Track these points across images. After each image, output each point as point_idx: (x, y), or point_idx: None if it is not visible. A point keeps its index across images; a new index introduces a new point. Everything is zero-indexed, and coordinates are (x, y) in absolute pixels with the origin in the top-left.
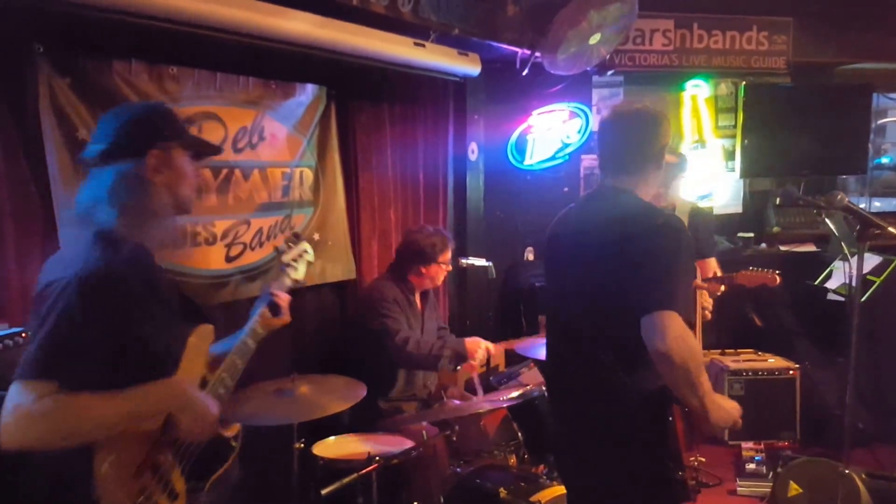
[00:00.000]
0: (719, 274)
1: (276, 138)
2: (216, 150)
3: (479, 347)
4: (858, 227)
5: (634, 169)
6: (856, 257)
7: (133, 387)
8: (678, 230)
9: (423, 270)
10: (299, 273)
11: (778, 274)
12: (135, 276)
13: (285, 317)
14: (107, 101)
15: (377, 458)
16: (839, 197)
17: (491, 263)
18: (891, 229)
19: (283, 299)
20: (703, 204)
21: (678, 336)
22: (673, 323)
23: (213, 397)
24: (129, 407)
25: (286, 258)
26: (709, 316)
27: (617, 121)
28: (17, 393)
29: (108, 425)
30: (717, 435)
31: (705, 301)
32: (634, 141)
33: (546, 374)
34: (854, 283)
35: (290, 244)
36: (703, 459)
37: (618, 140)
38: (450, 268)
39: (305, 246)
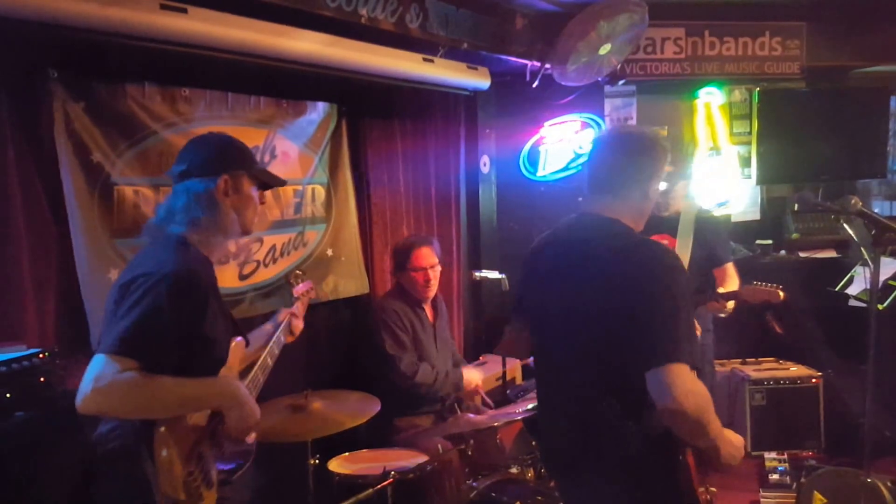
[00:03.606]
0: (737, 281)
1: (288, 156)
2: (280, 182)
3: (473, 382)
4: (874, 232)
5: (618, 194)
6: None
7: (200, 377)
8: (675, 269)
9: (402, 281)
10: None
11: (781, 289)
12: (208, 280)
13: (295, 337)
14: (120, 124)
15: (392, 472)
16: (853, 201)
17: (504, 276)
18: None
19: (299, 327)
20: (718, 211)
21: (688, 392)
22: (681, 377)
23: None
24: (195, 394)
25: (297, 290)
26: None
27: (608, 140)
28: (103, 364)
29: (174, 406)
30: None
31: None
32: (620, 164)
33: (540, 420)
34: (872, 289)
35: (297, 280)
36: (715, 490)
37: (604, 161)
38: (428, 276)
39: (311, 284)
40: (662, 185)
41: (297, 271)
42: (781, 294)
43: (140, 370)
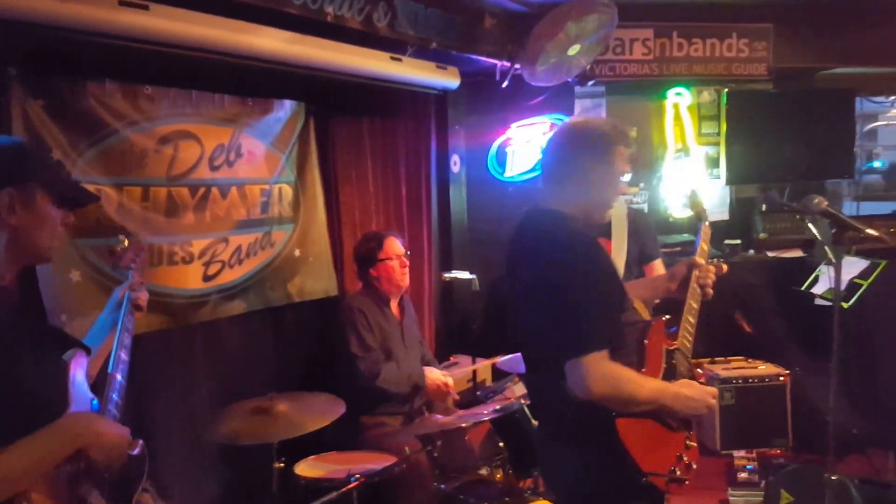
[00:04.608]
0: None
1: (254, 155)
2: (93, 198)
3: (437, 382)
4: (835, 231)
5: (561, 184)
6: (841, 261)
7: (28, 436)
8: (578, 254)
9: (375, 274)
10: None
11: (723, 262)
12: (3, 326)
13: (143, 312)
14: (81, 123)
15: (357, 476)
16: (816, 201)
17: (475, 276)
18: (869, 231)
19: (143, 300)
20: (685, 212)
21: (598, 378)
22: (591, 367)
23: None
24: (31, 458)
25: (126, 260)
26: (710, 293)
27: (555, 132)
28: None
29: (13, 481)
30: (702, 420)
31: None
32: (560, 154)
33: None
34: (835, 287)
35: (123, 247)
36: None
37: (548, 152)
38: (403, 262)
39: (140, 243)
40: (626, 176)
41: (122, 237)
42: (725, 266)
43: None
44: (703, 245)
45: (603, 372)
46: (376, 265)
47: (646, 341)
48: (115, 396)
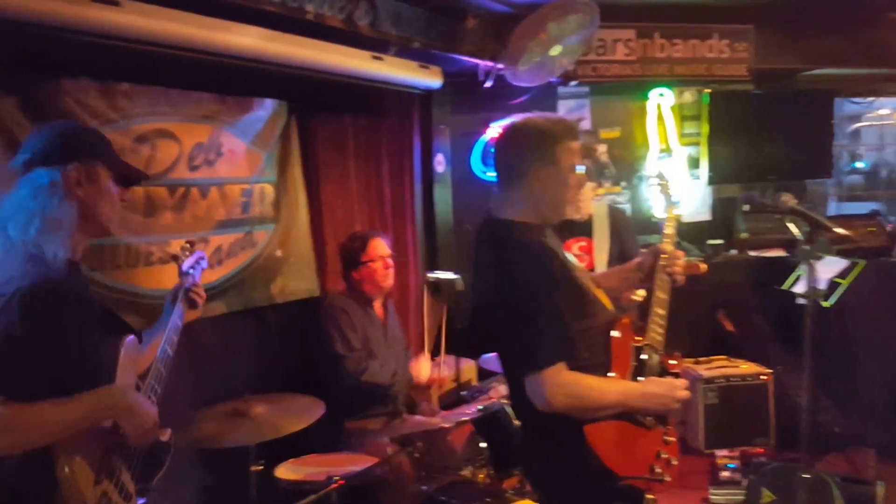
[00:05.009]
0: None
1: (235, 154)
2: (143, 175)
3: (420, 371)
4: (808, 230)
5: (510, 188)
6: (821, 261)
7: (77, 395)
8: (528, 266)
9: (357, 277)
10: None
11: (703, 260)
12: (70, 291)
13: (199, 312)
14: (55, 119)
15: (336, 478)
16: (784, 199)
17: (459, 276)
18: (838, 230)
19: (202, 296)
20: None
21: (556, 391)
22: (547, 380)
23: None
24: (74, 415)
25: (186, 265)
26: (680, 280)
27: (499, 137)
28: None
29: (54, 432)
30: (676, 419)
31: (672, 266)
32: (502, 158)
33: None
34: (812, 286)
35: (186, 252)
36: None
37: (494, 157)
38: (387, 263)
39: (202, 254)
40: (580, 168)
41: (185, 243)
42: (704, 266)
43: (8, 402)
44: (669, 230)
45: (562, 384)
46: (359, 267)
47: (612, 340)
48: (155, 384)
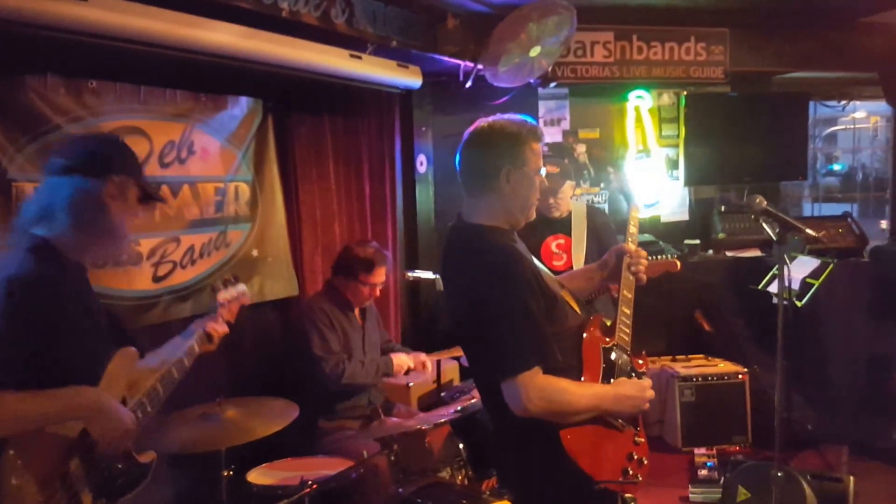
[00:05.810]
0: None
1: (208, 152)
2: (161, 199)
3: (403, 366)
4: (778, 230)
5: (476, 194)
6: (795, 261)
7: (47, 390)
8: (500, 273)
9: (343, 284)
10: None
11: (678, 258)
12: (66, 289)
13: (214, 345)
14: (20, 118)
15: (310, 482)
16: (757, 200)
17: (438, 276)
18: (808, 231)
19: (219, 332)
20: (648, 212)
21: (532, 395)
22: (523, 386)
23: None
24: (41, 409)
25: (221, 297)
26: (643, 279)
27: (463, 142)
28: None
29: (22, 421)
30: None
31: (636, 265)
32: (467, 163)
33: None
34: (780, 285)
35: (226, 285)
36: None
37: (461, 164)
38: (375, 291)
39: (243, 289)
40: (542, 171)
41: (228, 275)
42: (678, 264)
43: None
44: (632, 229)
45: (538, 388)
46: (352, 281)
47: (582, 343)
48: (146, 402)
